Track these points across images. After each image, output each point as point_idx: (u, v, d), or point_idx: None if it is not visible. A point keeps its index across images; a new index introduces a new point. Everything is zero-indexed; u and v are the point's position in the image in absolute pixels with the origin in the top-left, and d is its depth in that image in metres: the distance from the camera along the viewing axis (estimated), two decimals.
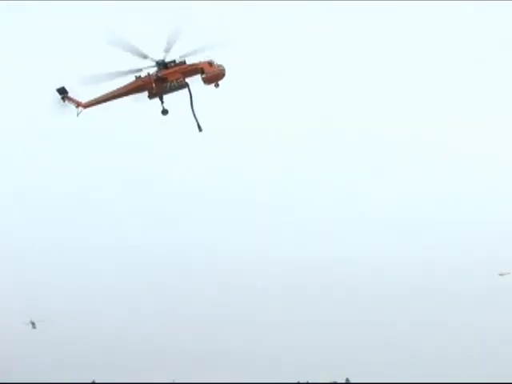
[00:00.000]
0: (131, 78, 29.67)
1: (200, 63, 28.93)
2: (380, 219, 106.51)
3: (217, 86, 29.07)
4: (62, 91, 29.33)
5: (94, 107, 29.67)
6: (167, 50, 28.02)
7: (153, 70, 29.43)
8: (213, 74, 28.86)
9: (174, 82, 28.73)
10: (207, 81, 28.90)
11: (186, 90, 29.36)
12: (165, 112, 29.89)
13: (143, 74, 29.45)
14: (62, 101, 29.50)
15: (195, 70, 28.95)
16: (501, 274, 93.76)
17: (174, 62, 29.01)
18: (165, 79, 28.63)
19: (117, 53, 27.69)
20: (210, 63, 28.97)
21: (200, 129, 29.42)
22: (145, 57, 28.15)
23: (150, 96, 29.27)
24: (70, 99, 29.44)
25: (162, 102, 29.90)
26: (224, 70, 29.10)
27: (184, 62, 28.94)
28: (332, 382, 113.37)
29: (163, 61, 28.94)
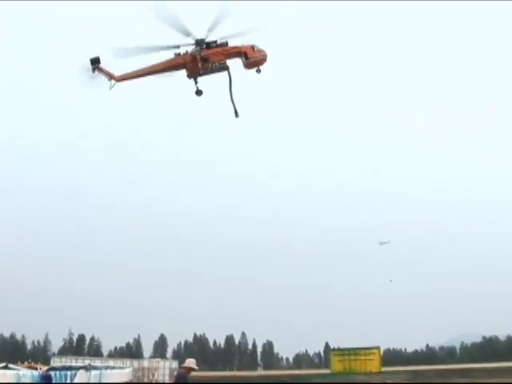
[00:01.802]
0: (166, 54, 28.21)
1: (243, 46, 27.40)
2: None
3: (259, 71, 27.66)
4: (95, 61, 27.64)
5: (127, 81, 28.10)
6: (211, 30, 26.51)
7: (190, 49, 28.03)
8: (256, 59, 27.46)
9: (216, 64, 27.22)
10: (249, 65, 27.44)
11: (225, 72, 28.00)
12: (199, 93, 28.40)
13: (181, 52, 27.96)
14: (91, 71, 27.84)
15: (238, 53, 27.40)
16: (381, 244, 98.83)
17: (215, 42, 27.58)
18: (207, 59, 27.13)
19: (157, 26, 26.20)
20: (253, 47, 27.57)
21: (237, 114, 28.09)
22: (187, 34, 26.63)
23: (190, 75, 27.77)
24: (102, 70, 27.74)
25: (196, 83, 28.47)
26: (266, 55, 27.74)
27: (226, 44, 27.46)
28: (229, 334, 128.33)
29: (203, 40, 27.53)
